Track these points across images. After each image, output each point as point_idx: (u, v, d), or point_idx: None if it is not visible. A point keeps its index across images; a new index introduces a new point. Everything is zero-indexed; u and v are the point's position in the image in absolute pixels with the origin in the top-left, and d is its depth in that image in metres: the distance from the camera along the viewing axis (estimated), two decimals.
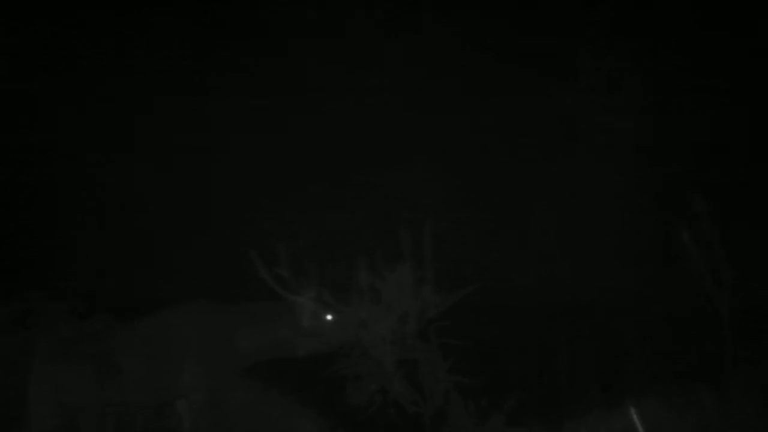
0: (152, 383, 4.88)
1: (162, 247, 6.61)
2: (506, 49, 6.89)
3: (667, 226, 5.89)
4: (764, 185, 6.49)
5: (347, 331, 5.40)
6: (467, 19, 6.97)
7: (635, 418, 5.27)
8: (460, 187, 6.80)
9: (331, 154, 6.84)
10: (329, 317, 5.15)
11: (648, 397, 5.47)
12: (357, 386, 5.44)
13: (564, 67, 6.85)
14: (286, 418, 5.61)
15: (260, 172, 6.77)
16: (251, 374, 5.60)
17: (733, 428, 5.28)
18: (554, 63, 6.85)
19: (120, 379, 4.84)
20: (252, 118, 6.90)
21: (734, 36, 6.69)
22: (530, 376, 5.80)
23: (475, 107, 6.92)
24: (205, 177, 6.81)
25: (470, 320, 5.52)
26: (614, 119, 6.79)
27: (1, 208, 6.62)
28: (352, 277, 5.48)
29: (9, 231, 6.59)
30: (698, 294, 5.71)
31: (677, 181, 6.51)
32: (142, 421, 5.28)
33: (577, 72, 6.85)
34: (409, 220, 5.76)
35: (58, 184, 6.80)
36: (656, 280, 6.32)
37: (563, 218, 6.71)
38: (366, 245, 5.71)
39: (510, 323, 6.15)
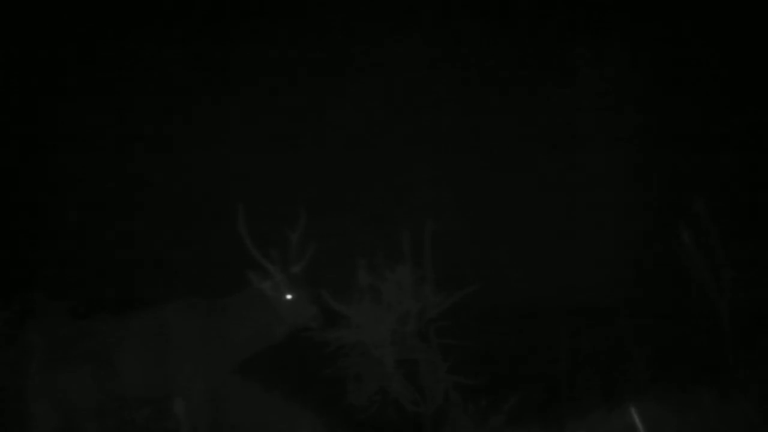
0: (149, 381, 4.88)
1: (161, 248, 6.62)
2: (506, 50, 6.90)
3: (667, 227, 5.90)
4: (764, 186, 6.49)
5: (348, 330, 5.40)
6: (466, 21, 6.97)
7: (635, 418, 5.27)
8: (460, 188, 6.80)
9: (331, 155, 6.85)
10: (288, 297, 5.10)
11: (648, 397, 5.47)
12: (357, 386, 5.44)
13: (564, 67, 6.85)
14: (286, 418, 5.61)
15: (260, 173, 6.77)
16: (251, 374, 5.60)
17: (733, 428, 5.28)
18: (554, 63, 6.86)
19: (118, 377, 4.83)
20: (252, 121, 6.90)
21: (735, 35, 6.70)
22: (530, 376, 5.80)
23: (474, 109, 6.93)
24: (204, 178, 6.82)
25: (470, 320, 5.52)
26: (614, 120, 6.80)
27: (1, 209, 6.62)
28: (353, 277, 5.48)
29: (9, 232, 6.59)
30: (698, 294, 5.72)
31: (677, 182, 6.51)
32: (142, 420, 5.27)
33: (577, 72, 6.86)
34: (409, 220, 5.76)
35: (57, 186, 6.80)
36: (656, 280, 6.32)
37: (563, 219, 6.72)
38: (366, 245, 5.72)
39: (510, 323, 6.15)
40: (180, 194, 6.74)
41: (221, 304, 5.16)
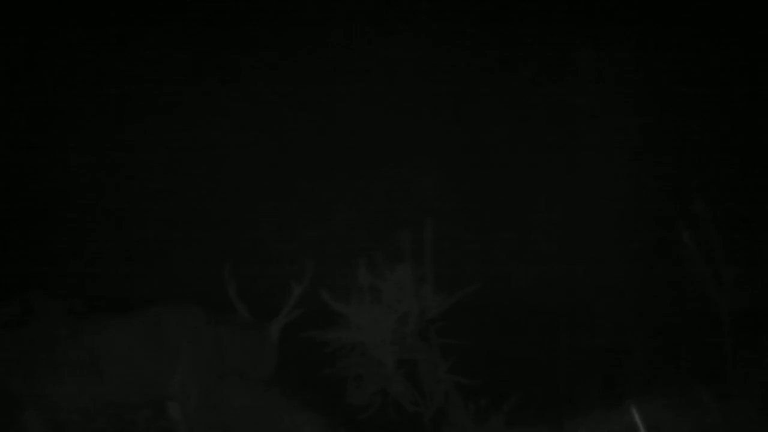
0: (144, 384, 4.88)
1: (161, 249, 6.62)
2: (506, 49, 6.90)
3: (667, 227, 5.90)
4: (764, 186, 6.50)
5: (348, 330, 5.41)
6: (466, 20, 6.97)
7: (635, 418, 5.28)
8: (460, 188, 6.80)
9: (330, 154, 6.85)
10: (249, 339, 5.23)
11: (648, 397, 5.48)
12: (357, 386, 5.44)
13: (564, 67, 6.85)
14: (286, 418, 5.61)
15: (260, 173, 6.77)
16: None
17: (733, 428, 5.29)
18: (554, 62, 6.86)
19: (109, 382, 4.82)
20: (252, 120, 6.90)
21: (735, 36, 6.70)
22: (530, 376, 5.80)
23: (474, 108, 6.93)
24: (204, 179, 6.82)
25: (470, 320, 5.53)
26: (614, 119, 6.80)
27: (0, 210, 6.62)
28: (353, 277, 5.49)
29: (9, 232, 6.59)
30: (698, 295, 5.72)
31: (677, 182, 6.51)
32: (141, 422, 5.28)
33: (577, 71, 6.86)
34: (409, 220, 5.76)
35: (57, 187, 6.80)
36: (656, 280, 6.32)
37: (563, 219, 6.72)
38: (366, 245, 5.72)
39: (510, 323, 6.16)
40: (179, 194, 6.74)
41: (219, 313, 5.18)
